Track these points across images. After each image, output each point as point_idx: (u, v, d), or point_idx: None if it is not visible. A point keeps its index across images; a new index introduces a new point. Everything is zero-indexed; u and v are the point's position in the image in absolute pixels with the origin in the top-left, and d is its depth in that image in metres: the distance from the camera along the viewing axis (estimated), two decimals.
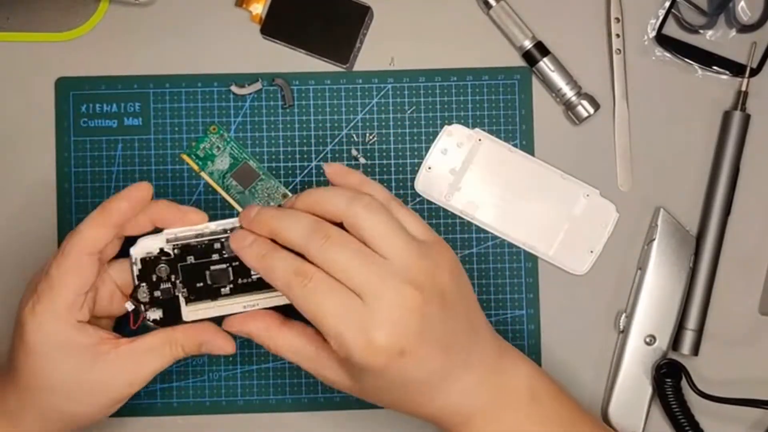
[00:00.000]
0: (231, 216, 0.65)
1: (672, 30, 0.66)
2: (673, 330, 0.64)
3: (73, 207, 0.65)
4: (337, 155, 0.66)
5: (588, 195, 0.65)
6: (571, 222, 0.65)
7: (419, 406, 0.53)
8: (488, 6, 0.65)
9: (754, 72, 0.65)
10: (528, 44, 0.64)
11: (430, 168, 0.65)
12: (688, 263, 0.64)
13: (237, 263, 0.55)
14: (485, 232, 0.65)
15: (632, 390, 0.64)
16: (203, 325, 0.56)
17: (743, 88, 0.65)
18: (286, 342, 0.54)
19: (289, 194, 0.65)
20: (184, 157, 0.66)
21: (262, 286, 0.55)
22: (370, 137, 0.66)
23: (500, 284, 0.65)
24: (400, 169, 0.66)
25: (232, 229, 0.54)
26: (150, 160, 0.65)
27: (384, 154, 0.66)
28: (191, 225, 0.55)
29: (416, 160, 0.66)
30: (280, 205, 0.55)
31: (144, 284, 0.54)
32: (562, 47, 0.66)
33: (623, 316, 0.64)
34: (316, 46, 0.66)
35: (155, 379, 0.64)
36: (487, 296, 0.65)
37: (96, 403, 0.55)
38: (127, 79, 0.66)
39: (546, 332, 0.65)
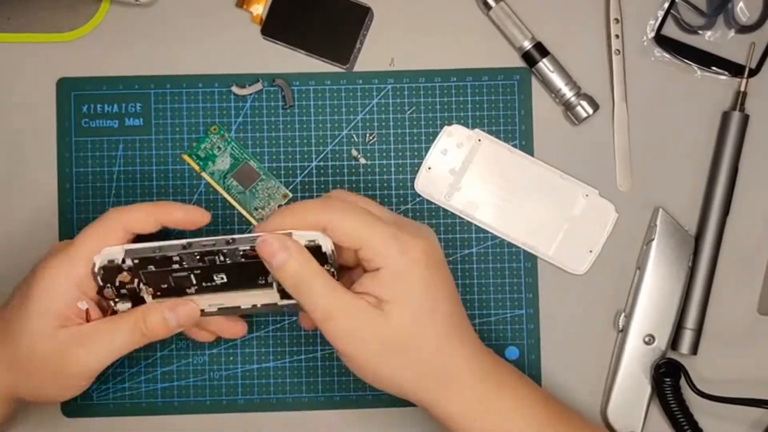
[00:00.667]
0: (231, 215, 0.65)
1: (671, 31, 0.66)
2: (672, 329, 0.64)
3: (74, 207, 0.65)
4: (337, 155, 0.66)
5: (587, 195, 0.65)
6: (571, 222, 0.65)
7: (411, 362, 0.53)
8: (488, 7, 0.65)
9: (753, 72, 0.66)
10: (527, 45, 0.64)
11: (430, 168, 0.66)
12: (687, 263, 0.64)
13: (198, 271, 0.55)
14: (485, 232, 0.66)
15: (631, 389, 0.64)
16: (166, 301, 0.56)
17: (742, 89, 0.65)
18: (323, 291, 0.53)
19: (290, 194, 0.66)
20: (185, 157, 0.66)
21: (227, 288, 0.55)
22: (370, 137, 0.66)
23: (500, 284, 0.65)
24: (400, 169, 0.66)
25: (190, 244, 0.54)
26: (151, 160, 0.65)
27: (384, 154, 0.66)
28: (195, 224, 0.57)
29: (416, 161, 0.66)
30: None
31: (109, 284, 0.55)
32: (562, 48, 0.66)
33: (622, 315, 0.65)
34: (316, 47, 0.66)
35: (156, 379, 0.64)
36: (486, 296, 0.65)
37: (59, 372, 0.55)
38: (129, 80, 0.66)
39: (545, 332, 0.65)
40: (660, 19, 0.66)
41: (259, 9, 0.66)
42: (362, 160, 0.66)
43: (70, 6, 0.66)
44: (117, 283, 0.55)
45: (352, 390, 0.65)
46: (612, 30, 0.66)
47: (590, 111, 0.64)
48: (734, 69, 0.66)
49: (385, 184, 0.66)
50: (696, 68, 0.66)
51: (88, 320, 0.55)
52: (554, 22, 0.66)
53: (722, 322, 0.65)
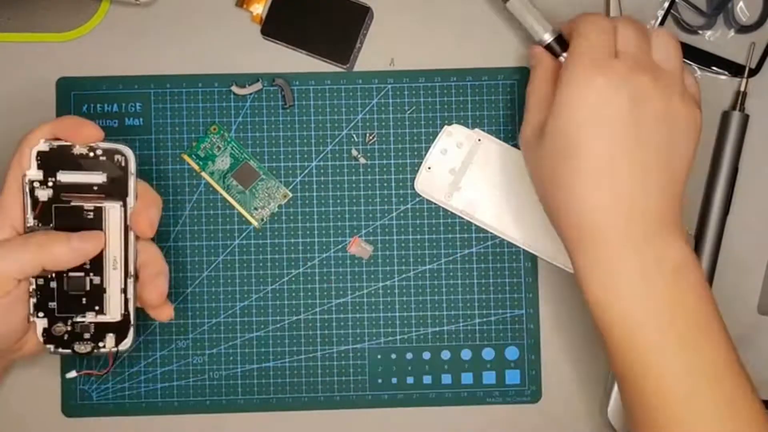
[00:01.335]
0: (231, 215, 0.65)
1: (671, 30, 0.66)
2: None
3: None
4: (337, 155, 0.66)
5: None
6: None
7: (579, 185, 0.53)
8: None
9: (753, 72, 0.66)
10: (548, 38, 0.62)
11: (430, 168, 0.66)
12: None
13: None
14: (485, 231, 0.66)
15: None
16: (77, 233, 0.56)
17: (742, 89, 0.65)
18: (540, 79, 0.60)
19: (290, 194, 0.66)
20: (185, 157, 0.66)
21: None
22: (370, 137, 0.66)
23: (500, 284, 0.65)
24: (400, 169, 0.66)
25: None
26: (151, 160, 0.65)
27: (384, 154, 0.66)
28: (86, 139, 0.56)
29: (416, 160, 0.66)
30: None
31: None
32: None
33: None
34: (316, 47, 0.66)
35: (156, 379, 0.64)
36: (486, 296, 0.65)
37: None
38: (128, 80, 0.66)
39: (545, 332, 0.65)
40: (660, 19, 0.66)
41: (259, 9, 0.66)
42: (362, 160, 0.66)
43: (70, 6, 0.66)
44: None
45: (352, 390, 0.65)
46: None
47: None
48: (734, 69, 0.66)
49: (385, 184, 0.66)
50: (696, 68, 0.66)
51: None
52: (554, 21, 0.66)
53: None
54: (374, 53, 0.66)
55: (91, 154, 0.56)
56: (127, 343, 0.58)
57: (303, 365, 0.65)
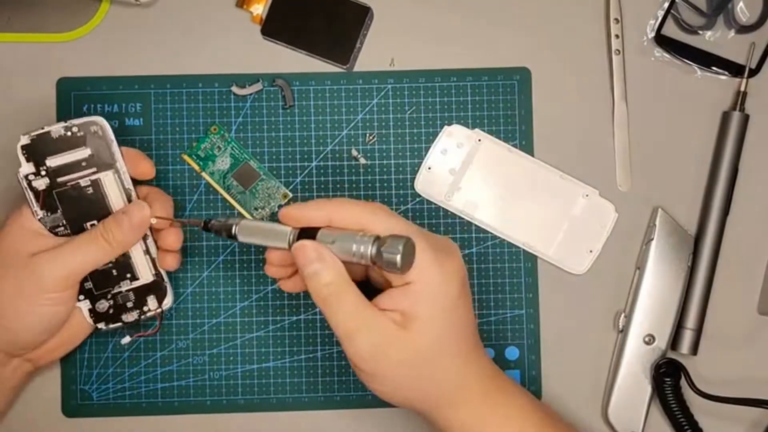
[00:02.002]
0: (231, 215, 0.65)
1: (671, 30, 0.66)
2: (672, 329, 0.64)
3: None
4: (337, 155, 0.66)
5: (587, 195, 0.65)
6: (571, 222, 0.65)
7: (428, 380, 0.53)
8: None
9: (753, 72, 0.66)
10: (293, 237, 0.53)
11: (430, 168, 0.66)
12: (687, 263, 0.64)
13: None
14: (485, 231, 0.66)
15: (632, 389, 0.64)
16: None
17: (742, 89, 0.65)
18: (347, 307, 0.52)
19: (290, 194, 0.66)
20: (185, 157, 0.66)
21: None
22: (370, 137, 0.66)
23: (500, 284, 0.65)
24: (400, 169, 0.66)
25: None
26: (151, 160, 0.65)
27: (384, 154, 0.66)
28: (141, 175, 0.60)
29: (416, 160, 0.66)
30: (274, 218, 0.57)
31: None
32: (562, 47, 0.66)
33: (622, 315, 0.65)
34: (316, 47, 0.66)
35: (156, 379, 0.64)
36: (486, 296, 0.65)
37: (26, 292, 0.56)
38: (129, 80, 0.66)
39: (545, 332, 0.65)
40: (660, 19, 0.66)
41: (259, 9, 0.66)
42: (362, 160, 0.66)
43: (70, 6, 0.66)
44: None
45: (352, 390, 0.65)
46: (612, 30, 0.66)
47: (399, 248, 0.50)
48: (734, 69, 0.66)
49: (385, 184, 0.66)
50: (696, 68, 0.66)
51: None
52: (554, 22, 0.66)
53: (722, 322, 0.65)
54: (374, 53, 0.66)
55: (69, 133, 0.58)
56: (168, 301, 0.61)
57: (303, 365, 0.65)
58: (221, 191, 0.65)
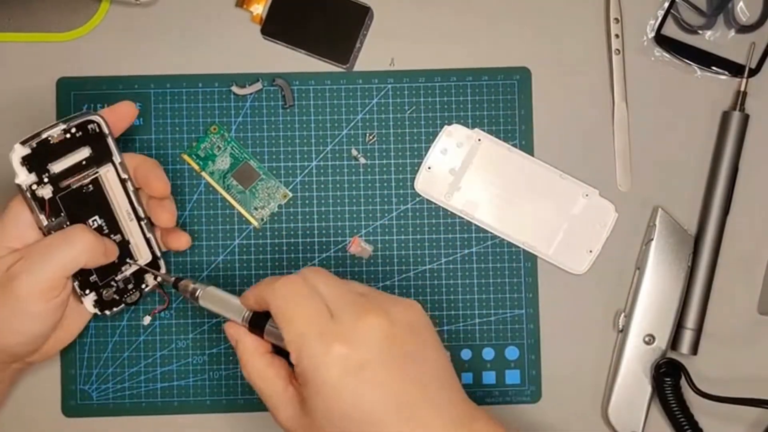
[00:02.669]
0: (231, 215, 0.65)
1: (671, 30, 0.66)
2: (672, 329, 0.64)
3: None
4: (337, 155, 0.66)
5: (587, 195, 0.65)
6: (571, 222, 0.65)
7: None
8: None
9: (753, 72, 0.66)
10: (247, 316, 0.56)
11: (430, 168, 0.66)
12: (687, 263, 0.64)
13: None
14: (485, 231, 0.66)
15: (632, 389, 0.64)
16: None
17: (742, 89, 0.65)
18: (262, 366, 0.54)
19: (289, 194, 0.66)
20: (185, 157, 0.66)
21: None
22: (370, 137, 0.66)
23: (500, 284, 0.65)
24: (400, 169, 0.66)
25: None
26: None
27: (384, 154, 0.66)
28: (125, 118, 0.59)
29: (416, 160, 0.66)
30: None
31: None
32: (562, 47, 0.66)
33: (622, 315, 0.65)
34: (316, 47, 0.66)
35: (156, 379, 0.64)
36: (486, 296, 0.65)
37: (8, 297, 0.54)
38: (128, 80, 0.66)
39: (545, 332, 0.65)
40: (660, 19, 0.66)
41: (259, 9, 0.66)
42: (362, 160, 0.66)
43: (70, 6, 0.66)
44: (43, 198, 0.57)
45: None
46: (612, 29, 0.66)
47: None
48: (734, 69, 0.66)
49: (385, 184, 0.66)
50: (696, 68, 0.66)
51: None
52: (554, 22, 0.66)
53: (722, 322, 0.65)
54: (374, 53, 0.66)
55: (68, 135, 0.56)
56: (162, 271, 0.63)
57: None
58: (221, 191, 0.65)
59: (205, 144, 0.66)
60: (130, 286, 0.62)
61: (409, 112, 0.66)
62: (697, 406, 0.64)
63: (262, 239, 0.65)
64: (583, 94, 0.66)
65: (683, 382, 0.63)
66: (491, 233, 0.66)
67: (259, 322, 0.55)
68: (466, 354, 0.65)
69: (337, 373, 0.49)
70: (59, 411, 0.65)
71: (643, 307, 0.64)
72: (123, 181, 0.59)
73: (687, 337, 0.64)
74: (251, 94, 0.66)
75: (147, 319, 0.64)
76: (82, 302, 0.60)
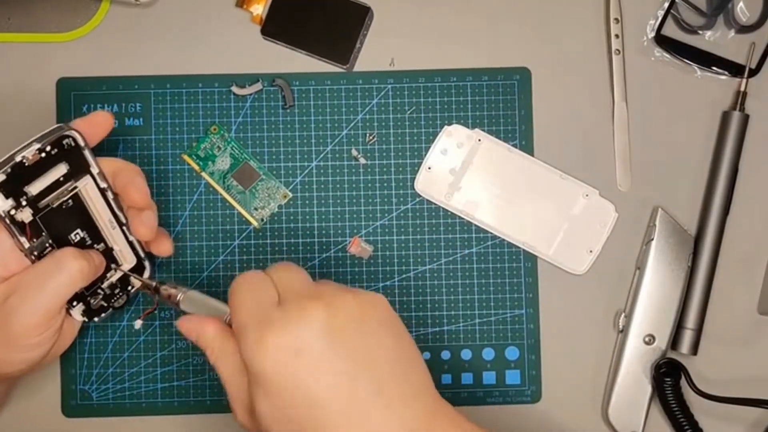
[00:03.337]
0: (231, 215, 0.65)
1: (671, 30, 0.66)
2: (672, 329, 0.64)
3: None
4: (337, 155, 0.66)
5: (587, 195, 0.65)
6: (571, 222, 0.65)
7: None
8: None
9: (753, 72, 0.66)
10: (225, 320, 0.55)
11: (430, 168, 0.66)
12: (687, 263, 0.64)
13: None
14: (485, 231, 0.66)
15: (632, 389, 0.64)
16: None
17: (742, 89, 0.65)
18: (222, 368, 0.52)
19: (289, 194, 0.66)
20: (185, 157, 0.66)
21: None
22: (370, 137, 0.66)
23: (500, 284, 0.65)
24: (400, 169, 0.66)
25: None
26: (151, 160, 0.65)
27: (384, 154, 0.66)
28: (100, 127, 0.57)
29: (416, 160, 0.66)
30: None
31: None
32: (562, 47, 0.66)
33: (622, 315, 0.65)
34: (316, 47, 0.66)
35: (156, 379, 0.64)
36: (486, 296, 0.65)
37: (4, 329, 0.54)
38: (128, 80, 0.66)
39: (545, 332, 0.65)
40: (660, 19, 0.66)
41: (259, 9, 0.66)
42: (362, 160, 0.66)
43: (70, 6, 0.66)
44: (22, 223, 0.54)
45: None
46: (612, 30, 0.66)
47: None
48: (734, 69, 0.66)
49: (385, 184, 0.66)
50: (696, 68, 0.66)
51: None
52: (554, 22, 0.66)
53: (722, 322, 0.65)
54: (374, 53, 0.66)
55: (43, 155, 0.53)
56: (146, 273, 0.62)
57: None
58: (221, 191, 0.65)
59: (205, 144, 0.66)
60: (116, 291, 0.61)
61: (409, 112, 0.66)
62: (697, 406, 0.64)
63: (262, 239, 0.65)
64: (583, 94, 0.66)
65: (683, 382, 0.63)
66: (491, 233, 0.66)
67: None
68: (466, 354, 0.65)
69: (270, 362, 0.47)
70: (59, 411, 0.65)
71: (643, 307, 0.64)
72: (102, 191, 0.57)
73: (687, 337, 0.64)
74: (251, 94, 0.66)
75: (138, 323, 0.64)
76: (70, 315, 0.58)
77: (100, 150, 0.57)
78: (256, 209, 0.66)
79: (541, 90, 0.66)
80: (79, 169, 0.56)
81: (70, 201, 0.56)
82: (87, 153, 0.56)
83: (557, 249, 0.65)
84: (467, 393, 0.65)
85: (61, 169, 0.55)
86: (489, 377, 0.65)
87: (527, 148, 0.66)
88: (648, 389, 0.64)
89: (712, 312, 0.65)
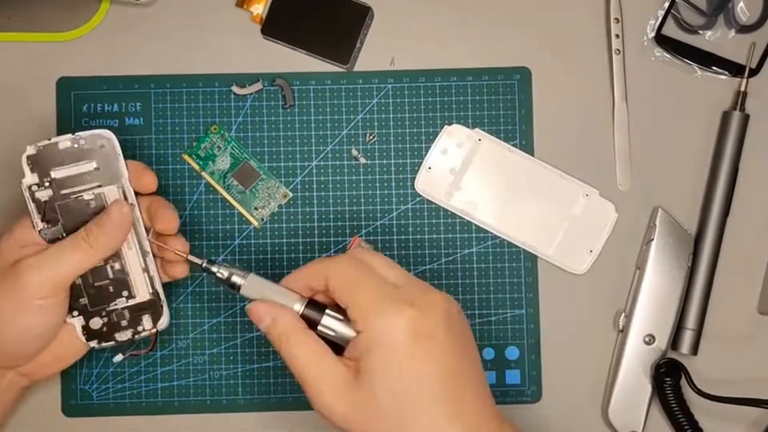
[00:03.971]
0: (231, 215, 0.65)
1: (671, 30, 0.66)
2: (672, 329, 0.64)
3: None
4: (337, 155, 0.66)
5: (587, 195, 0.65)
6: (571, 222, 0.65)
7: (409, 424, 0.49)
8: None
9: (753, 72, 0.66)
10: (300, 308, 0.54)
11: (430, 168, 0.66)
12: (687, 263, 0.64)
13: None
14: (485, 231, 0.66)
15: (632, 389, 0.64)
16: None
17: (742, 89, 0.65)
18: (312, 341, 0.52)
19: (290, 194, 0.66)
20: (185, 156, 0.66)
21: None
22: (370, 137, 0.66)
23: (500, 283, 0.65)
24: (400, 169, 0.66)
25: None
26: (151, 159, 0.65)
27: (384, 154, 0.66)
28: (144, 188, 0.58)
29: (416, 160, 0.66)
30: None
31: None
32: (562, 47, 0.66)
33: (622, 315, 0.65)
34: (316, 47, 0.66)
35: (156, 379, 0.64)
36: (486, 295, 0.65)
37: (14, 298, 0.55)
38: (129, 79, 0.66)
39: (545, 331, 0.65)
40: (660, 19, 0.66)
41: (259, 9, 0.66)
42: (362, 160, 0.66)
43: (70, 6, 0.66)
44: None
45: None
46: (612, 29, 0.66)
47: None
48: (734, 69, 0.66)
49: (385, 184, 0.66)
50: (696, 68, 0.66)
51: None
52: (554, 22, 0.66)
53: (722, 322, 0.65)
54: (374, 53, 0.66)
55: (76, 145, 0.57)
56: (164, 322, 0.59)
57: None
58: (221, 191, 0.65)
59: (206, 144, 0.66)
60: (123, 323, 0.58)
61: (409, 112, 0.66)
62: (697, 406, 0.64)
63: (262, 239, 0.65)
64: (583, 94, 0.66)
65: (683, 382, 0.63)
66: (491, 233, 0.66)
67: (312, 314, 0.53)
68: None
69: (407, 336, 0.49)
70: (59, 411, 0.65)
71: (643, 307, 0.64)
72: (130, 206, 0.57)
73: (687, 337, 0.64)
74: (251, 94, 0.66)
75: (119, 357, 0.62)
76: (71, 322, 0.58)
77: None
78: (256, 209, 0.66)
79: (541, 90, 0.66)
80: (109, 173, 0.57)
81: (93, 201, 0.57)
82: (120, 161, 0.57)
83: (557, 249, 0.65)
84: None
85: (89, 166, 0.57)
86: (489, 377, 0.65)
87: (527, 147, 0.66)
88: (648, 389, 0.64)
89: (712, 312, 0.65)
